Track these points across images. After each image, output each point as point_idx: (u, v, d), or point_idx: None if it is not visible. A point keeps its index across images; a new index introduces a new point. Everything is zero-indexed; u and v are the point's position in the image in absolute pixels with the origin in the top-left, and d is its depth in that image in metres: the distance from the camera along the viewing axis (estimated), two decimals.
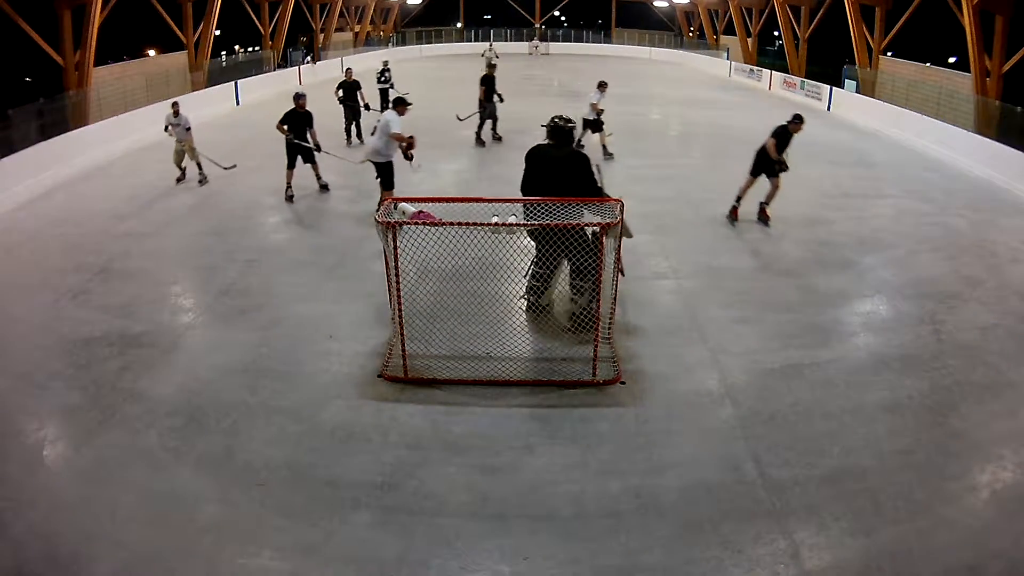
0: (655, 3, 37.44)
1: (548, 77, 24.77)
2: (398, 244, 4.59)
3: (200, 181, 9.82)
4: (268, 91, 19.28)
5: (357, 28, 32.47)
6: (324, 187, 9.54)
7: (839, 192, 9.92)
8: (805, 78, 20.96)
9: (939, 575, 3.33)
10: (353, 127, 12.63)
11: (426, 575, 3.33)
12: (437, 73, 25.07)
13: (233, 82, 17.85)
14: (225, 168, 9.85)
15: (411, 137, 7.70)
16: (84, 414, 4.50)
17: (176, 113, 9.57)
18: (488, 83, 12.11)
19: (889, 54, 18.47)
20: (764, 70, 23.76)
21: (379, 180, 8.02)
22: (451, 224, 4.58)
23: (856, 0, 17.96)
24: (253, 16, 22.88)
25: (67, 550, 3.39)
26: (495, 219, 4.83)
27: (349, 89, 12.41)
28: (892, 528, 3.59)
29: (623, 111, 13.14)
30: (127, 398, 4.68)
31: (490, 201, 5.20)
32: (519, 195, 5.49)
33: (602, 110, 11.37)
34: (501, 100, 12.42)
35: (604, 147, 11.53)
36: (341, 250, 7.46)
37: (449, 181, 10.08)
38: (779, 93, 21.46)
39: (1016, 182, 10.34)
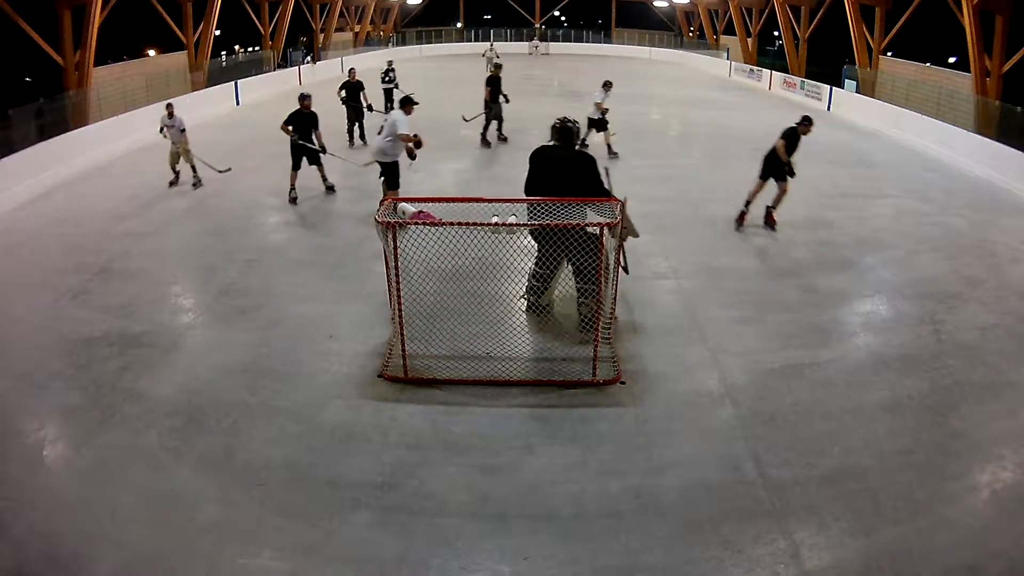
0: (655, 3, 37.44)
1: (548, 77, 24.78)
2: (398, 244, 4.59)
3: (194, 184, 9.67)
4: (268, 91, 19.30)
5: (357, 28, 32.48)
6: (330, 188, 9.44)
7: (839, 192, 9.92)
8: (805, 78, 20.96)
9: (939, 575, 3.33)
10: (356, 128, 12.48)
11: (426, 575, 3.33)
12: (437, 73, 25.08)
13: (233, 82, 17.86)
14: (220, 171, 9.75)
15: (417, 136, 7.67)
16: (84, 414, 4.50)
17: (170, 114, 9.45)
18: (494, 84, 12.03)
19: (889, 54, 18.47)
20: (764, 70, 23.76)
21: (383, 180, 8.02)
22: (451, 224, 4.58)
23: (856, 0, 17.97)
24: (253, 16, 22.88)
25: (67, 550, 3.39)
26: (495, 219, 4.83)
27: (352, 89, 12.25)
28: (892, 528, 3.59)
29: (623, 111, 13.16)
30: (127, 398, 4.68)
31: (490, 201, 5.21)
32: (520, 195, 5.48)
33: (607, 109, 11.40)
34: (507, 101, 12.36)
35: (609, 146, 11.55)
36: (341, 250, 7.47)
37: (449, 181, 10.09)
38: (779, 93, 21.46)
39: (1016, 182, 10.34)
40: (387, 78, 15.18)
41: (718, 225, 8.25)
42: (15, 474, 3.94)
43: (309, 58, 25.85)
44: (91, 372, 5.00)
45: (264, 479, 3.91)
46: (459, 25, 41.46)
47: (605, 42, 39.33)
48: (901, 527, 3.60)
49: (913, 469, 4.04)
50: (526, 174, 5.52)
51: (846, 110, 17.20)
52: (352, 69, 12.89)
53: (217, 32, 19.99)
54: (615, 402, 4.68)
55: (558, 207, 4.95)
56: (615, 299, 5.23)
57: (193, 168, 9.71)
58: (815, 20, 21.89)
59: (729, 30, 29.44)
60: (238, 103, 17.61)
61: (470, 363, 4.99)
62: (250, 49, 28.25)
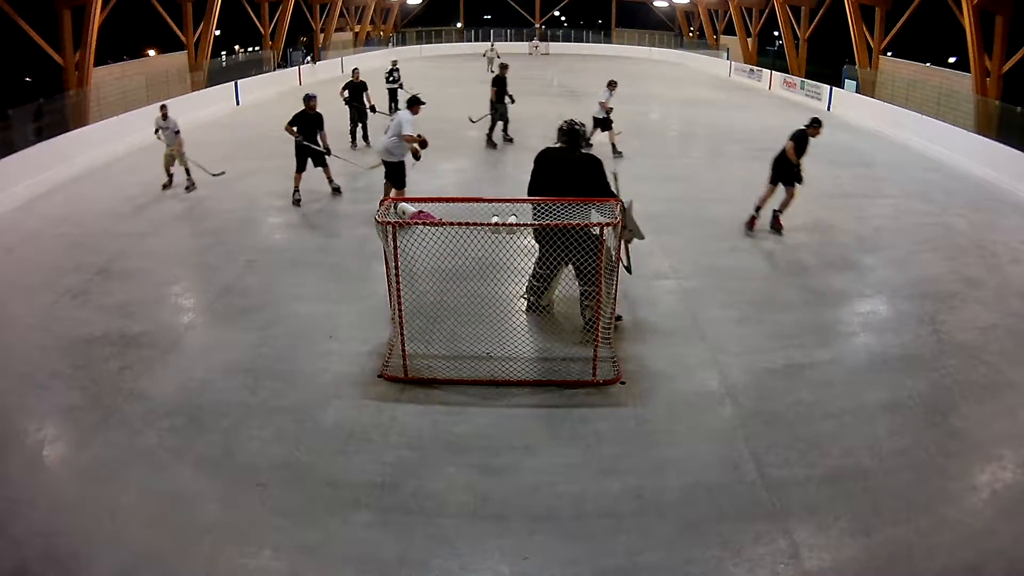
0: (655, 3, 37.45)
1: (548, 77, 24.78)
2: (398, 244, 4.59)
3: (187, 188, 9.48)
4: (268, 91, 19.31)
5: (357, 28, 32.49)
6: (336, 190, 9.32)
7: (839, 192, 9.92)
8: (805, 78, 20.96)
9: (939, 575, 3.33)
10: (359, 129, 12.28)
11: (426, 575, 3.33)
12: (437, 73, 25.09)
13: (233, 82, 17.85)
14: (213, 175, 9.61)
15: (421, 136, 7.66)
16: (84, 414, 4.50)
17: (164, 116, 9.32)
18: (499, 84, 11.93)
19: (889, 54, 18.47)
20: (764, 70, 23.78)
21: (387, 180, 8.00)
22: (451, 224, 4.58)
23: (856, 0, 17.97)
24: (253, 16, 22.89)
25: (67, 550, 3.39)
26: (495, 219, 4.83)
27: (355, 90, 12.04)
28: (892, 528, 3.59)
29: (623, 111, 13.16)
30: (127, 398, 4.68)
31: (490, 201, 5.21)
32: (520, 195, 5.47)
33: (611, 108, 11.42)
34: (512, 101, 12.26)
35: (613, 145, 11.56)
36: (342, 250, 7.47)
37: (450, 181, 10.08)
38: (779, 93, 21.47)
39: (1016, 182, 10.34)
40: (391, 78, 15.08)
41: (718, 225, 8.25)
42: (15, 474, 3.94)
43: (309, 58, 25.85)
44: (91, 372, 5.00)
45: (264, 479, 3.91)
46: (459, 25, 41.47)
47: (605, 42, 39.36)
48: (901, 527, 3.60)
49: (913, 469, 4.04)
50: (529, 175, 5.50)
51: (846, 110, 17.21)
52: (356, 69, 12.71)
53: (217, 32, 19.99)
54: (615, 402, 4.68)
55: (562, 208, 4.94)
56: (615, 299, 5.22)
57: (187, 171, 9.54)
58: (815, 20, 21.90)
59: (729, 30, 29.46)
60: (238, 103, 17.61)
61: (470, 363, 4.99)
62: (250, 49, 28.27)
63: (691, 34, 36.71)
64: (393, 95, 14.98)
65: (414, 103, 7.82)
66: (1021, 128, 11.72)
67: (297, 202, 8.91)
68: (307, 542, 3.49)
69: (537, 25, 40.89)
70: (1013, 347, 5.50)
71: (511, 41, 37.56)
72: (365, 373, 4.98)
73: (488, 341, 5.05)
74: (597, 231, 4.73)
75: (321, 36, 27.19)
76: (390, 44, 35.18)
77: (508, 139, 12.55)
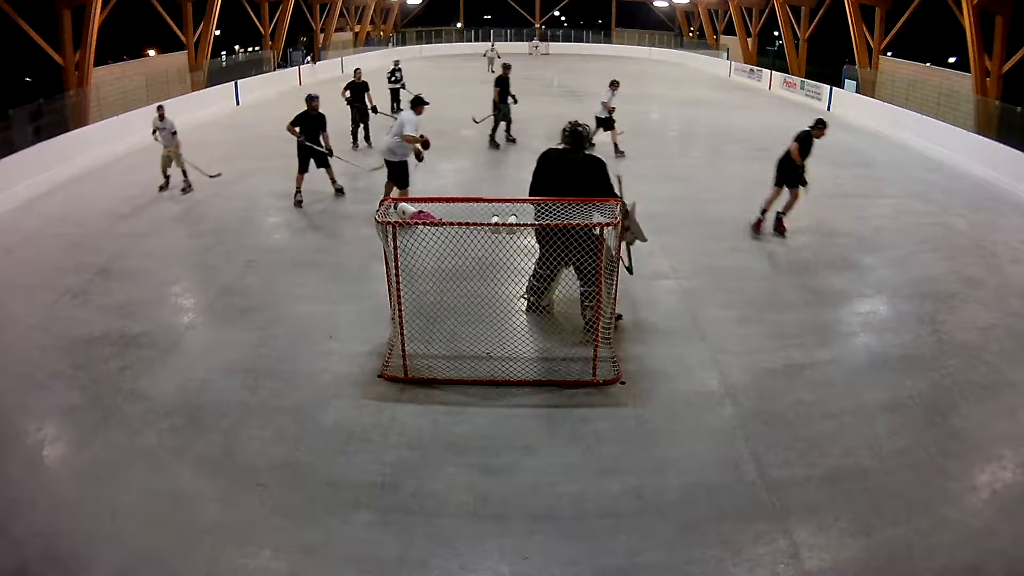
0: (655, 3, 37.46)
1: (548, 77, 24.78)
2: (398, 244, 4.59)
3: (183, 190, 9.38)
4: (268, 91, 19.32)
5: (357, 28, 32.50)
6: (339, 191, 9.27)
7: (839, 192, 9.92)
8: (805, 78, 20.97)
9: (939, 575, 3.33)
10: (361, 130, 12.15)
11: (426, 575, 3.33)
12: (437, 73, 25.08)
13: (233, 82, 17.86)
14: (210, 176, 9.54)
15: (424, 137, 7.64)
16: (84, 414, 4.50)
17: (161, 117, 9.25)
18: (503, 84, 11.87)
19: (889, 54, 18.47)
20: (764, 70, 23.78)
21: (390, 179, 7.99)
22: (451, 224, 4.58)
23: (856, 0, 17.97)
24: (253, 16, 22.90)
25: (67, 550, 3.39)
26: (495, 219, 4.83)
27: (357, 90, 11.90)
28: (892, 528, 3.59)
29: (623, 111, 13.15)
30: (127, 398, 4.68)
31: (490, 201, 5.21)
32: (520, 194, 5.47)
33: (613, 108, 11.44)
34: (515, 101, 12.21)
35: (616, 145, 11.56)
36: (341, 250, 7.47)
37: (450, 181, 10.08)
38: (779, 93, 21.47)
39: (1016, 182, 10.34)
40: (393, 78, 15.02)
41: (718, 225, 8.25)
42: (15, 474, 3.94)
43: (309, 58, 25.86)
44: (91, 372, 5.00)
45: (264, 479, 3.91)
46: (459, 25, 41.48)
47: (605, 42, 39.38)
48: (901, 527, 3.60)
49: (913, 469, 4.04)
50: (530, 175, 5.49)
51: (846, 110, 17.21)
52: (358, 69, 12.56)
53: (217, 32, 20.00)
54: (615, 402, 4.68)
55: (564, 209, 4.94)
56: (615, 299, 5.22)
57: (184, 173, 9.46)
58: (815, 20, 21.90)
59: (729, 30, 29.47)
60: (238, 103, 17.62)
61: (470, 363, 4.99)
62: (250, 49, 28.27)
63: (691, 34, 36.71)
64: (395, 95, 14.94)
65: (418, 103, 7.80)
66: (1021, 128, 11.72)
67: (299, 203, 8.85)
68: (307, 542, 3.49)
69: (537, 25, 40.90)
70: (1013, 347, 5.50)
71: (511, 41, 37.57)
72: (365, 373, 4.98)
73: (488, 341, 5.05)
74: (598, 231, 4.72)
75: (321, 36, 27.20)
76: (390, 44, 35.19)
77: (511, 139, 12.50)
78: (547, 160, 5.45)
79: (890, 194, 10.06)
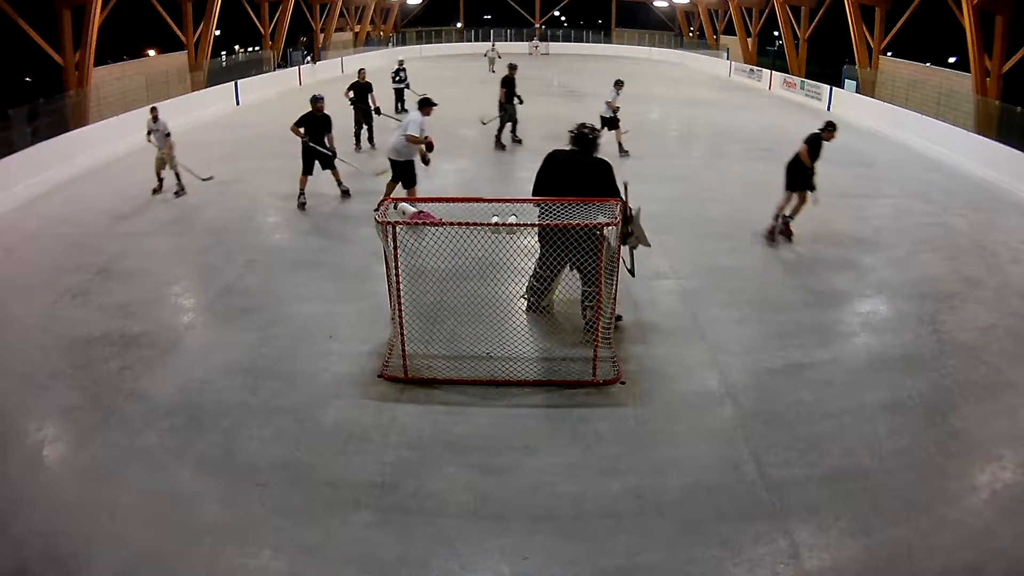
0: (655, 3, 37.47)
1: (548, 77, 24.77)
2: (398, 244, 4.59)
3: (176, 193, 9.28)
4: (268, 91, 19.33)
5: (357, 28, 32.51)
6: (345, 193, 9.17)
7: (839, 192, 9.89)
8: (805, 78, 20.97)
9: (939, 575, 3.33)
10: (364, 131, 11.99)
11: (426, 575, 3.33)
12: (437, 73, 25.07)
13: (233, 82, 17.86)
14: (203, 179, 9.44)
15: (428, 138, 7.62)
16: (84, 414, 4.50)
17: (155, 118, 9.15)
18: (508, 85, 11.76)
19: (889, 54, 18.48)
20: (764, 70, 23.79)
21: (393, 179, 7.96)
22: (451, 224, 4.57)
23: (856, 0, 17.97)
24: (253, 16, 22.90)
25: (67, 550, 3.39)
26: (495, 219, 4.83)
27: (361, 91, 11.71)
28: (892, 528, 3.59)
29: (624, 111, 13.14)
30: (127, 398, 4.68)
31: (490, 201, 5.21)
32: (520, 194, 5.46)
33: (618, 107, 11.46)
34: (520, 102, 12.13)
35: (620, 144, 11.57)
36: (342, 250, 7.47)
37: (450, 181, 10.08)
38: (779, 93, 21.47)
39: (1016, 182, 10.35)
40: (398, 78, 14.90)
41: (718, 225, 8.25)
42: (15, 474, 3.94)
43: (309, 58, 25.86)
44: (91, 372, 4.99)
45: (264, 479, 3.91)
46: (459, 25, 41.49)
47: (605, 42, 39.39)
48: (901, 527, 3.60)
49: (913, 469, 4.04)
50: (532, 174, 5.48)
51: (846, 110, 17.18)
52: (362, 70, 12.37)
53: (217, 32, 20.00)
54: (615, 402, 4.68)
55: (565, 209, 4.93)
56: (615, 299, 5.22)
57: (177, 175, 9.35)
58: (815, 20, 21.91)
59: (729, 30, 29.47)
60: (238, 103, 17.62)
61: (470, 363, 4.98)
62: (250, 49, 28.28)
63: (691, 34, 36.72)
64: (400, 95, 14.87)
65: (425, 104, 7.78)
66: (1021, 128, 11.72)
67: (302, 205, 8.76)
68: (307, 542, 3.49)
69: (537, 25, 40.91)
70: (1013, 347, 5.50)
71: (511, 41, 37.57)
72: (365, 373, 4.98)
73: (488, 341, 5.05)
74: (599, 231, 4.72)
75: (321, 36, 27.20)
76: (390, 44, 35.20)
77: (517, 140, 12.43)
78: (554, 161, 5.42)
79: (890, 194, 10.06)
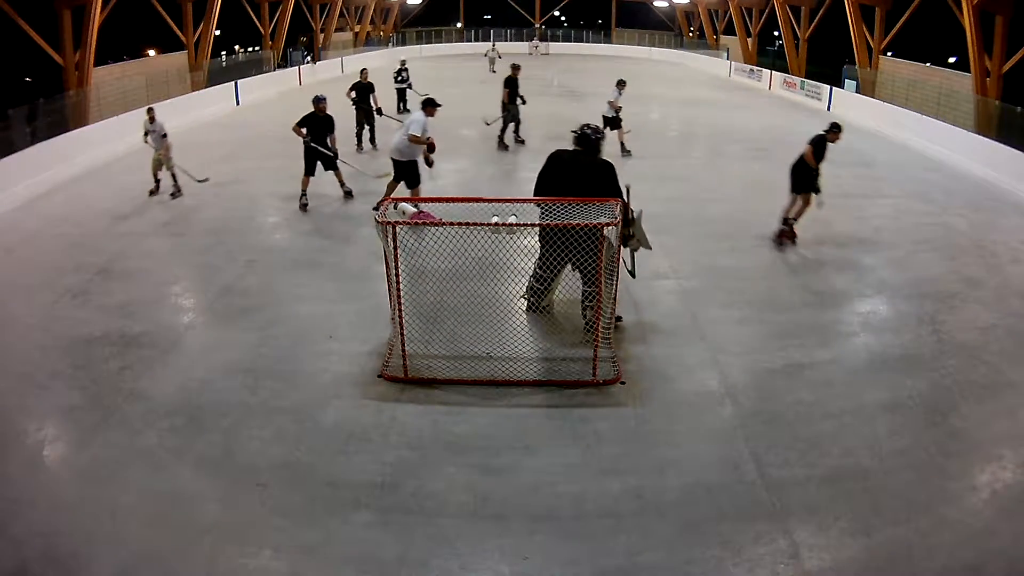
0: (655, 3, 37.47)
1: (548, 77, 24.77)
2: (398, 244, 4.59)
3: (172, 194, 9.20)
4: (268, 91, 19.33)
5: (357, 28, 32.51)
6: (348, 194, 9.12)
7: (839, 192, 9.88)
8: (805, 78, 20.97)
9: (939, 575, 3.33)
10: (366, 132, 11.91)
11: (426, 575, 3.33)
12: (437, 73, 25.06)
13: (233, 82, 17.86)
14: (198, 181, 9.37)
15: (430, 139, 7.61)
16: (84, 414, 4.50)
17: (152, 119, 9.12)
18: (511, 85, 11.71)
19: (889, 54, 18.48)
20: (764, 70, 23.79)
21: (395, 179, 7.94)
22: (451, 224, 4.57)
23: (856, 0, 17.97)
24: (253, 16, 22.90)
25: (67, 550, 3.39)
26: (495, 219, 4.83)
27: (362, 91, 11.61)
28: (892, 528, 3.59)
29: (624, 111, 13.15)
30: (127, 398, 4.68)
31: (490, 201, 5.21)
32: (519, 194, 5.46)
33: (620, 107, 11.47)
34: (523, 102, 12.08)
35: (622, 144, 11.57)
36: (342, 250, 7.47)
37: (450, 181, 10.07)
38: (779, 93, 21.47)
39: (1016, 182, 10.35)
40: (400, 78, 14.85)
41: (718, 225, 8.25)
42: (15, 474, 3.94)
43: (309, 58, 25.86)
44: (91, 372, 4.99)
45: (264, 479, 3.91)
46: (459, 25, 41.49)
47: (605, 42, 39.39)
48: (901, 527, 3.60)
49: (913, 469, 4.04)
50: (533, 174, 5.47)
51: (846, 110, 17.17)
52: (364, 70, 12.26)
53: (217, 32, 20.00)
54: (615, 402, 4.68)
55: (565, 209, 4.93)
56: (615, 299, 5.22)
57: (173, 177, 9.30)
58: (815, 20, 21.91)
59: (729, 30, 29.47)
60: (238, 103, 17.62)
61: (470, 363, 4.98)
62: (250, 49, 28.28)
63: (691, 34, 36.72)
64: (402, 95, 14.84)
65: (429, 104, 7.76)
66: (1021, 128, 11.72)
67: (304, 207, 8.71)
68: (307, 542, 3.49)
69: (537, 25, 40.91)
70: (1013, 347, 5.50)
71: (511, 41, 37.56)
72: (365, 373, 4.98)
73: (488, 341, 5.05)
74: (599, 231, 4.71)
75: (321, 36, 27.20)
76: (390, 44, 35.20)
77: (520, 141, 12.40)
78: (557, 161, 5.41)
79: (890, 194, 10.06)
